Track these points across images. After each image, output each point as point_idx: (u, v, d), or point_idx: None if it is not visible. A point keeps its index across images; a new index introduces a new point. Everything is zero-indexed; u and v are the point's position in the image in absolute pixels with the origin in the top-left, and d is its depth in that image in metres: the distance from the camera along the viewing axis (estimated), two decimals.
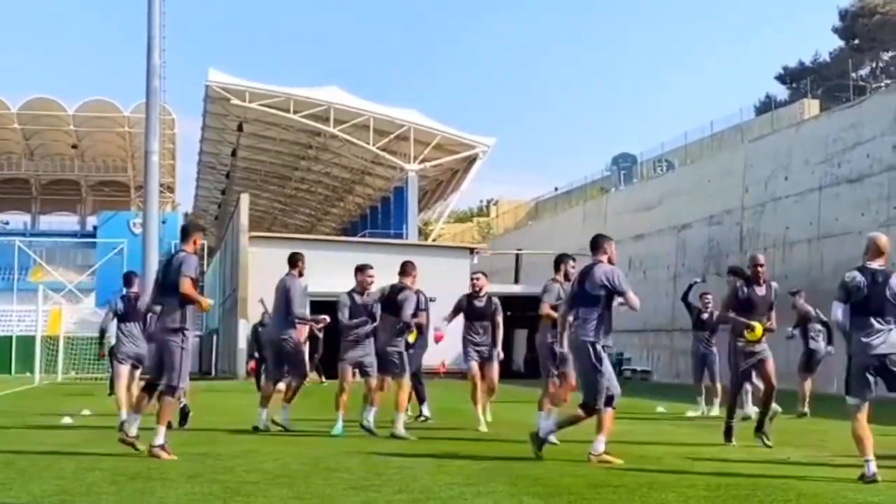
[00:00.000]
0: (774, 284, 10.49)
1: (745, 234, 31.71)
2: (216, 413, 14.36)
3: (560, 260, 10.39)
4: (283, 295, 11.39)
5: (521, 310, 42.79)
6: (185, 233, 9.36)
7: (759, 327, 9.91)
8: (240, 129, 54.51)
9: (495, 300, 12.49)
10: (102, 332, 13.68)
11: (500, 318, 12.40)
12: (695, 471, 7.78)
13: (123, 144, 75.37)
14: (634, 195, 41.74)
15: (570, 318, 8.82)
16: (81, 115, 70.57)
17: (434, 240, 57.75)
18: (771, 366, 10.12)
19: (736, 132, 39.10)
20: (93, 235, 71.76)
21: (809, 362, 15.40)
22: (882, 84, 43.15)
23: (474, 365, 12.18)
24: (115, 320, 12.95)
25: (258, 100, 51.40)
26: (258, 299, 34.89)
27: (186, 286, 8.72)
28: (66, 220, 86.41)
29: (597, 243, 8.79)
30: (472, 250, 41.03)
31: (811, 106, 38.22)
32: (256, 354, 26.40)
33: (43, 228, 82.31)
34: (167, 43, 47.20)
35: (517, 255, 45.26)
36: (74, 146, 76.21)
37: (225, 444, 9.91)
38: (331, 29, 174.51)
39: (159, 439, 8.49)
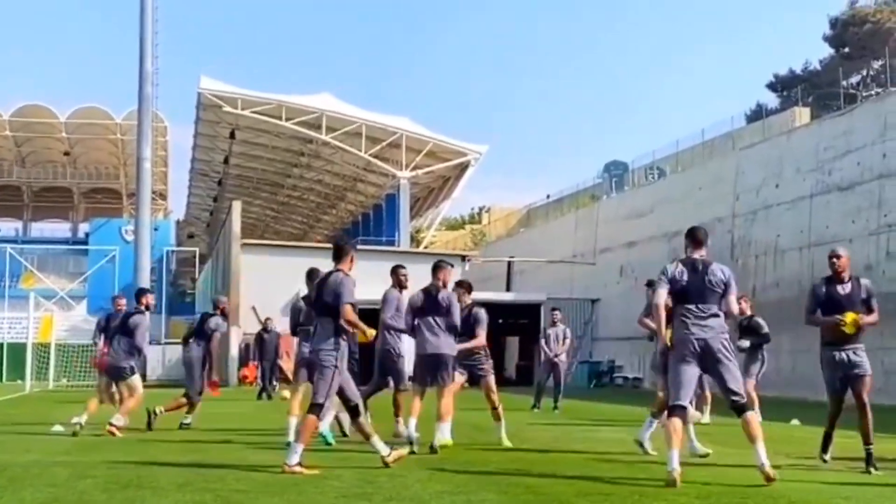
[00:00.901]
0: (865, 281, 9.17)
1: (736, 242, 31.79)
2: (207, 421, 14.33)
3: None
4: (383, 305, 11.48)
5: (513, 317, 42.93)
6: (340, 252, 8.97)
7: (851, 317, 8.84)
8: (232, 136, 54.52)
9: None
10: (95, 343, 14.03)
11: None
12: (686, 478, 7.79)
13: (115, 151, 75.27)
14: (626, 202, 41.80)
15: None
16: (73, 121, 70.45)
17: (426, 247, 57.77)
18: (867, 383, 8.96)
19: (727, 140, 39.21)
20: (85, 242, 71.56)
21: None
22: (872, 92, 43.30)
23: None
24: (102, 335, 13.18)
25: (250, 107, 51.43)
26: (250, 307, 35.07)
27: (348, 314, 8.45)
28: (57, 227, 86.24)
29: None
30: (463, 258, 41.02)
31: (802, 114, 38.34)
32: (256, 361, 26.29)
33: (35, 235, 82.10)
34: (159, 50, 47.40)
35: (509, 263, 45.26)
36: (66, 153, 76.07)
37: (216, 452, 9.90)
38: (323, 36, 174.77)
39: (294, 458, 8.16)
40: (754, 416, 7.76)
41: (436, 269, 10.59)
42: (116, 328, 13.04)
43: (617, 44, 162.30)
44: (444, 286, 10.50)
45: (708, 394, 14.71)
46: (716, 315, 7.79)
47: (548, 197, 60.01)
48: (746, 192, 31.64)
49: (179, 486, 7.15)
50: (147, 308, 13.21)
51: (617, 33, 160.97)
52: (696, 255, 8.02)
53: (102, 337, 14.11)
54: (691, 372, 7.76)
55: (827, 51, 59.35)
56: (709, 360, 7.73)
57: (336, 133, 52.49)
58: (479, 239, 65.56)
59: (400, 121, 54.37)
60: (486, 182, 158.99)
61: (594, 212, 44.17)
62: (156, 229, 54.15)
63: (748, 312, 15.28)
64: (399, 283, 11.64)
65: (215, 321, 14.39)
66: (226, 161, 59.85)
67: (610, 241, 40.49)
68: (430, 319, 10.35)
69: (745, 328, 15.18)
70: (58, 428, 12.83)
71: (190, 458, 9.23)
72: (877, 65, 53.79)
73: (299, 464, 8.07)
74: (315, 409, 8.42)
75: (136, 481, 7.47)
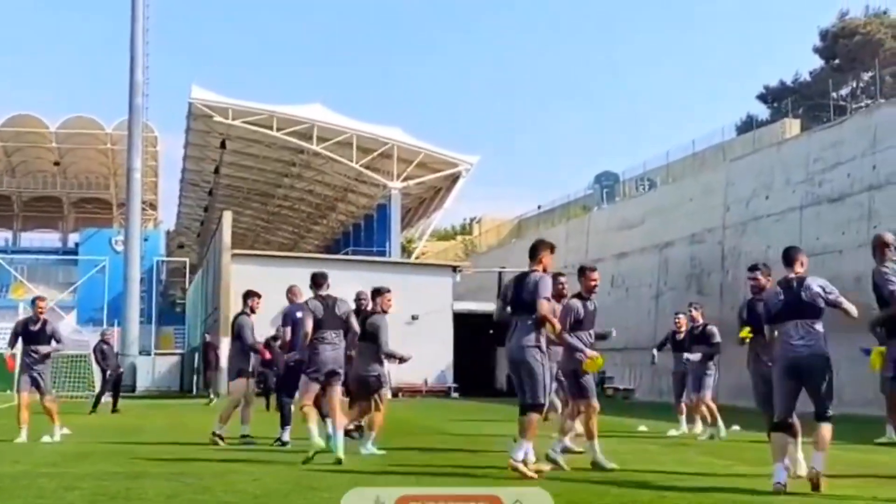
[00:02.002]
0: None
1: (726, 253, 31.84)
2: (194, 432, 14.27)
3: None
4: (375, 331, 10.92)
5: (504, 329, 42.93)
6: (535, 251, 9.18)
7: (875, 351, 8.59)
8: (223, 146, 54.42)
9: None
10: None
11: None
12: (676, 490, 7.78)
13: (106, 161, 75.12)
14: (617, 213, 41.87)
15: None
16: (63, 131, 70.29)
17: (417, 257, 57.75)
18: None
19: (718, 151, 39.33)
20: (75, 252, 71.33)
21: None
22: (862, 104, 43.49)
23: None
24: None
25: (241, 117, 51.38)
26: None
27: (544, 308, 8.65)
28: (47, 237, 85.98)
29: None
30: (454, 268, 41.04)
31: (792, 125, 38.50)
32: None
33: (24, 245, 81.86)
34: (150, 60, 47.38)
35: (500, 273, 45.23)
36: (56, 163, 75.89)
37: (203, 463, 9.84)
38: (314, 47, 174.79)
39: (520, 454, 8.28)
40: (828, 429, 7.78)
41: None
42: (36, 333, 12.96)
43: (608, 55, 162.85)
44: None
45: (703, 406, 14.59)
46: (815, 330, 7.92)
47: (539, 208, 60.10)
48: (736, 203, 31.70)
49: (167, 498, 7.11)
50: (252, 311, 13.18)
51: (608, 45, 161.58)
52: (791, 275, 8.27)
53: (20, 341, 13.49)
54: (790, 387, 7.94)
55: (817, 62, 59.67)
56: (805, 375, 7.88)
57: (327, 143, 52.47)
58: (470, 249, 65.55)
59: (391, 131, 54.38)
60: (477, 193, 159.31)
61: (585, 222, 44.22)
62: (146, 239, 54.03)
63: (700, 321, 15.17)
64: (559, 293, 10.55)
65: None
66: (216, 171, 59.75)
67: (601, 252, 40.52)
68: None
69: (697, 337, 14.97)
70: (46, 439, 12.76)
71: (177, 469, 9.18)
72: (867, 76, 54.08)
73: (524, 462, 8.31)
74: (537, 409, 8.63)
75: (124, 493, 7.43)
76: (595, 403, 10.05)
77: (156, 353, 47.84)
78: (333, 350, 10.17)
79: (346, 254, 54.00)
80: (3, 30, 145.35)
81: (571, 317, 9.83)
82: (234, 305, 35.83)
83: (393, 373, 36.18)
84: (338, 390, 10.30)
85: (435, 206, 59.90)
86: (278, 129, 51.90)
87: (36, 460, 10.09)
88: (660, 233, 36.31)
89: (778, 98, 57.27)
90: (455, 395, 35.96)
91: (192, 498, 7.15)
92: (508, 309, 9.16)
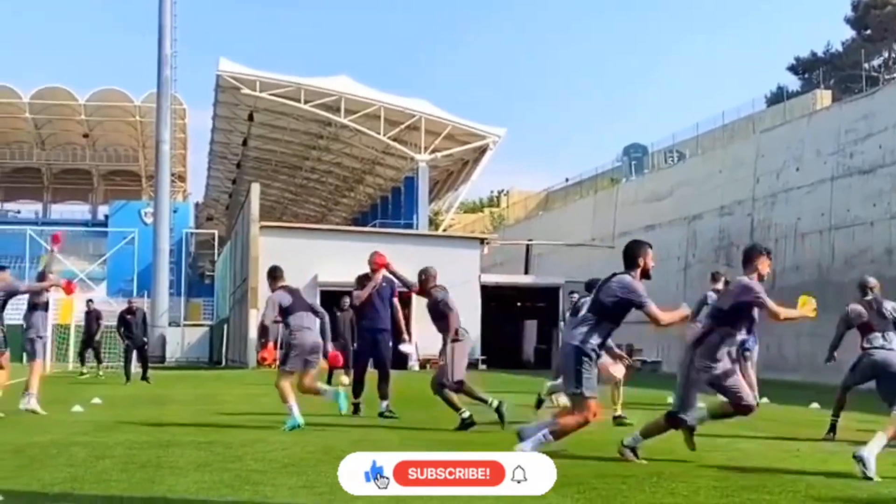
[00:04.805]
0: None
1: (756, 225, 31.62)
2: (224, 402, 14.40)
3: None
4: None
5: (531, 300, 42.89)
6: (747, 257, 8.31)
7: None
8: (250, 118, 54.54)
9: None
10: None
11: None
12: (704, 462, 7.76)
13: (135, 134, 75.49)
14: (645, 186, 41.64)
15: None
16: (93, 104, 70.66)
17: (444, 230, 57.73)
18: None
19: (748, 123, 38.96)
20: (104, 224, 71.92)
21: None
22: (895, 75, 42.91)
23: None
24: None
25: (269, 89, 51.40)
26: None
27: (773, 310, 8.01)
28: (77, 209, 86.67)
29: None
30: (482, 240, 41.00)
31: (823, 97, 38.05)
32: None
33: (54, 217, 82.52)
34: (178, 33, 47.46)
35: (527, 246, 45.21)
36: (86, 135, 76.38)
37: (233, 432, 9.93)
38: (341, 18, 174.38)
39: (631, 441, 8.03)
40: None
41: None
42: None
43: (637, 25, 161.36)
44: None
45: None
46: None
47: (566, 180, 59.86)
48: (767, 175, 31.44)
49: (198, 466, 7.17)
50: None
51: (637, 14, 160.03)
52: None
53: None
54: None
55: (848, 33, 58.87)
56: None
57: (355, 116, 52.41)
58: (498, 222, 65.50)
59: (419, 103, 54.21)
60: (504, 165, 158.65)
61: (613, 195, 44.02)
62: (175, 211, 54.33)
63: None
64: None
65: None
66: (244, 143, 59.92)
67: (629, 225, 40.34)
68: None
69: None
70: (77, 408, 12.91)
71: (207, 438, 9.25)
72: None
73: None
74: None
75: (155, 461, 7.50)
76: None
77: (185, 325, 48.23)
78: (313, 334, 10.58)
79: (374, 226, 54.06)
80: (33, 3, 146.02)
81: None
82: (263, 277, 36.04)
83: (420, 345, 36.39)
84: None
85: (462, 179, 59.80)
86: (306, 102, 51.89)
87: (67, 430, 10.20)
88: (689, 205, 36.09)
89: (809, 69, 56.65)
90: (483, 367, 35.99)
91: (222, 466, 7.21)
92: None
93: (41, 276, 13.77)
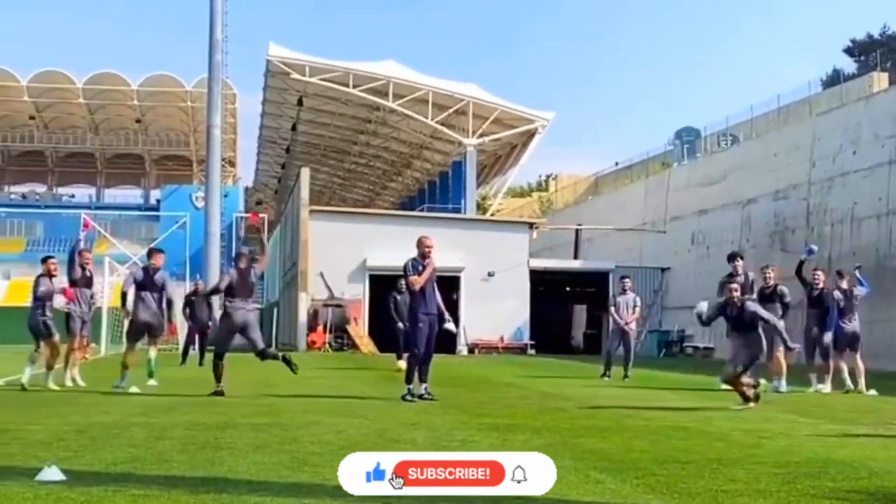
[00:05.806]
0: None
1: (811, 210, 31.17)
2: (275, 384, 14.50)
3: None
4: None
5: (581, 285, 42.70)
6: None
7: None
8: (300, 103, 54.81)
9: None
10: (124, 295, 14.47)
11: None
12: (764, 448, 7.67)
13: (186, 119, 76.27)
14: (697, 170, 41.21)
15: None
16: (145, 89, 71.47)
17: (492, 214, 57.66)
18: None
19: (803, 106, 38.36)
20: (156, 209, 72.77)
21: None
22: None
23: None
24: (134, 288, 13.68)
25: (318, 74, 51.59)
26: (318, 273, 35.35)
27: None
28: (130, 194, 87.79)
29: None
30: (531, 225, 40.90)
31: (880, 79, 37.34)
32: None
33: (107, 201, 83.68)
34: (229, 18, 47.76)
35: (577, 231, 44.99)
36: (138, 120, 77.30)
37: (288, 414, 9.98)
38: (389, 2, 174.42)
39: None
40: None
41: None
42: None
43: (690, 7, 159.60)
44: None
45: (830, 364, 14.70)
46: None
47: (616, 164, 59.47)
48: (823, 158, 30.96)
49: (256, 448, 7.22)
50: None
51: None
52: None
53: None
54: None
55: None
56: None
57: (403, 100, 52.45)
58: (547, 207, 65.25)
59: (467, 87, 54.10)
60: (553, 149, 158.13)
61: (665, 179, 43.63)
62: (225, 195, 54.80)
63: (772, 282, 14.83)
64: None
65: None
66: (293, 128, 60.24)
67: (681, 209, 39.98)
68: None
69: (768, 296, 14.51)
70: (134, 389, 13.07)
71: (263, 420, 9.32)
72: None
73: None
74: None
75: (214, 442, 7.56)
76: None
77: None
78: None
79: (422, 210, 54.14)
80: None
81: None
82: (313, 261, 36.29)
83: (469, 329, 36.33)
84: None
85: (510, 163, 59.66)
86: (354, 86, 52.02)
87: (126, 410, 10.33)
88: (742, 189, 35.67)
89: (865, 51, 55.58)
90: (531, 351, 35.95)
91: (279, 447, 7.25)
92: None
93: (71, 257, 14.50)
